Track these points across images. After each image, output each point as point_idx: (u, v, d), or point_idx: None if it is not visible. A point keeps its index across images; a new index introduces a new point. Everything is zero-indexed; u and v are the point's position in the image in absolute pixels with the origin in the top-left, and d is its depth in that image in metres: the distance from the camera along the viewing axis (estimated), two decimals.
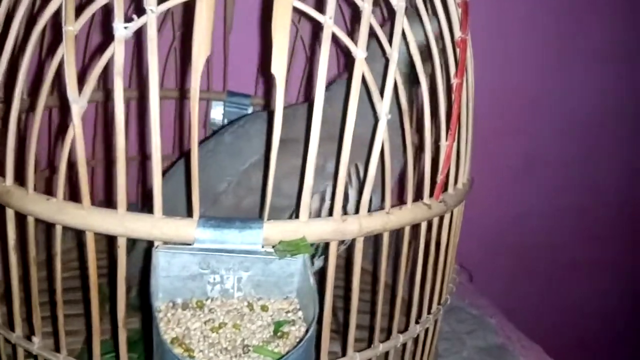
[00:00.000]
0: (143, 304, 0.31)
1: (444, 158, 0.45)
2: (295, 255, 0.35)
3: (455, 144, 0.48)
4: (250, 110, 0.88)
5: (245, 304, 0.36)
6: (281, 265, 0.36)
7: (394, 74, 0.38)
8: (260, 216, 0.36)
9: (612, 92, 1.15)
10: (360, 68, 0.37)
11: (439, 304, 0.53)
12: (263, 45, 0.90)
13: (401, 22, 0.38)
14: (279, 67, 0.35)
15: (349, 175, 0.52)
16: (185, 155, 0.62)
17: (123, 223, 0.35)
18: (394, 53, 0.38)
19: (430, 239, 0.49)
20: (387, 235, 0.42)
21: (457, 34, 0.45)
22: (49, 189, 0.74)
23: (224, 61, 0.86)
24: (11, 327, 0.42)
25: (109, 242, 0.37)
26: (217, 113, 0.88)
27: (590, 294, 1.29)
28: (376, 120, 0.38)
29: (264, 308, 0.36)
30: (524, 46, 1.09)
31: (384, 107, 0.38)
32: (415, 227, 0.45)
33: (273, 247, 0.35)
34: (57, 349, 0.40)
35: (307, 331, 0.31)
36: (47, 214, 0.36)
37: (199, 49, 0.34)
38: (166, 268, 0.35)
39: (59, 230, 0.37)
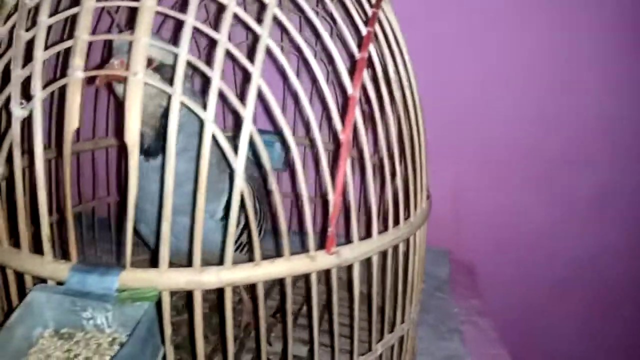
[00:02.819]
0: None
1: (331, 214, 0.45)
2: (138, 302, 0.40)
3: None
4: (277, 146, 0.95)
5: (110, 339, 0.42)
6: (134, 309, 0.41)
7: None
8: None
9: None
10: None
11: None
12: None
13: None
14: (130, 138, 0.40)
15: None
16: None
17: (22, 263, 0.44)
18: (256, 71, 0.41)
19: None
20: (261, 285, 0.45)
21: (349, 90, 0.46)
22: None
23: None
24: None
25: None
26: None
27: None
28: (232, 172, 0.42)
29: (122, 344, 0.41)
30: (598, 70, 0.98)
31: (238, 167, 0.41)
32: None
33: (120, 292, 0.40)
34: None
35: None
36: None
37: (68, 124, 0.41)
38: (48, 302, 0.42)
39: None
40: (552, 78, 1.00)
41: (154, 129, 0.59)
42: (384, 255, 0.52)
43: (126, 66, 0.52)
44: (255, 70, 0.41)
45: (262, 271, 0.43)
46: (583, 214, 1.06)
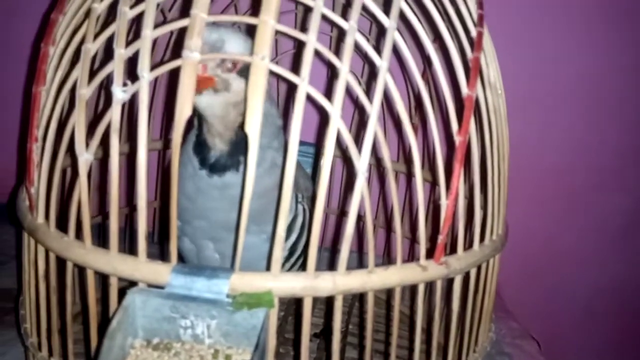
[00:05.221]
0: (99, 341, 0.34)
1: (444, 219, 0.43)
2: (255, 308, 0.36)
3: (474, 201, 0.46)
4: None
5: (212, 351, 0.38)
6: (245, 316, 0.37)
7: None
8: (233, 264, 0.38)
9: None
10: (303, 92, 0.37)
11: None
12: None
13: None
14: (252, 126, 0.37)
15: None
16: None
17: (111, 263, 0.39)
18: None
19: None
20: (368, 293, 0.41)
21: (464, 90, 0.44)
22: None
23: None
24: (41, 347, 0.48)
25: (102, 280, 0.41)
26: None
27: None
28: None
29: (227, 358, 0.37)
30: (630, 95, 0.99)
31: (362, 165, 0.38)
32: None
33: (233, 297, 0.36)
34: None
35: None
36: (59, 250, 0.42)
37: (181, 111, 0.37)
38: (142, 308, 0.38)
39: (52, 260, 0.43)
40: (582, 103, 1.00)
41: (229, 142, 0.52)
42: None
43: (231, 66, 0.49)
44: (384, 61, 0.39)
45: (376, 278, 0.40)
46: (612, 241, 1.06)
